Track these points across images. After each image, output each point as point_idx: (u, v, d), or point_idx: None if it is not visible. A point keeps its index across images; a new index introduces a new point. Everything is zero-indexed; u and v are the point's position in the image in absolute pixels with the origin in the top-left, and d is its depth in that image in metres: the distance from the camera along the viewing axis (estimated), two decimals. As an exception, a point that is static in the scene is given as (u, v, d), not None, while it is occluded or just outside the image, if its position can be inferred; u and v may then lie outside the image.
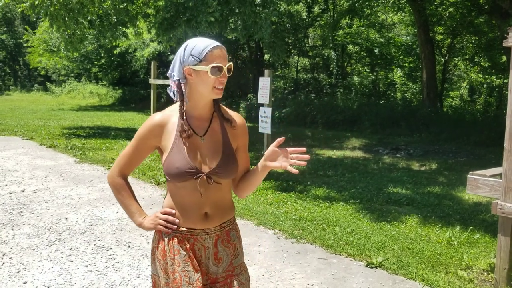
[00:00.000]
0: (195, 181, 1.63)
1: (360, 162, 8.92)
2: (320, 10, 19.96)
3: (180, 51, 1.66)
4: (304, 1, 19.20)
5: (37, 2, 9.99)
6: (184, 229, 1.68)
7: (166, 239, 1.71)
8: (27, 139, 10.28)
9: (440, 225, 4.73)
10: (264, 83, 6.88)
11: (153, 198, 5.77)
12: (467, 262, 3.76)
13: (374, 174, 7.59)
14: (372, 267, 3.70)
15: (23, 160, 7.80)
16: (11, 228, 4.43)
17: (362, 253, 3.97)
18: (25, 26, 24.93)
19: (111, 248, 4.02)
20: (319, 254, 3.99)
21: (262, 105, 6.94)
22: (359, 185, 6.65)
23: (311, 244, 4.23)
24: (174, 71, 1.68)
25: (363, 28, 19.07)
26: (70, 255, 3.84)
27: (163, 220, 1.70)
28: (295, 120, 15.38)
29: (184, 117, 1.67)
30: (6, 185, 6.10)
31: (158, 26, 12.08)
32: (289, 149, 1.65)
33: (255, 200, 5.60)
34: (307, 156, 1.62)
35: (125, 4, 11.51)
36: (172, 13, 11.19)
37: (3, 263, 3.63)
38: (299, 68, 21.86)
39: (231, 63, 1.67)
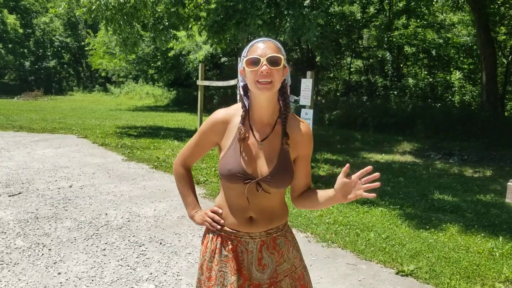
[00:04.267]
0: (244, 185, 1.61)
1: (409, 167, 8.60)
2: (375, 11, 19.49)
3: None
4: (358, 2, 18.83)
5: (94, 7, 10.46)
6: (229, 229, 1.68)
7: (211, 235, 1.72)
8: (81, 137, 10.80)
9: (482, 234, 4.45)
10: (306, 85, 6.80)
11: (191, 197, 5.84)
12: (507, 275, 3.51)
13: (421, 180, 7.29)
14: (402, 275, 3.55)
15: (75, 157, 8.20)
16: (54, 221, 4.65)
17: (393, 260, 3.81)
18: (88, 30, 26.24)
19: (143, 244, 4.12)
20: (349, 260, 3.88)
21: (304, 106, 6.87)
22: (403, 190, 6.40)
23: (341, 248, 4.12)
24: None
25: (420, 29, 18.42)
26: (104, 249, 3.97)
27: (210, 218, 1.71)
28: (346, 122, 15.11)
29: (247, 120, 1.66)
30: (56, 180, 6.42)
31: (208, 28, 12.31)
32: (356, 174, 1.54)
33: (290, 202, 5.53)
34: (376, 175, 1.49)
35: (176, 8, 11.81)
36: (222, 16, 11.35)
37: (42, 254, 3.82)
38: (352, 69, 21.46)
39: (274, 54, 1.55)
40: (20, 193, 5.68)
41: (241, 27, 11.14)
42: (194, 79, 23.14)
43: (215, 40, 12.70)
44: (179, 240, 4.25)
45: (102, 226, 4.58)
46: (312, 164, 7.38)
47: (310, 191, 1.73)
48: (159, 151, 9.08)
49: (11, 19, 36.00)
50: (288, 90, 1.69)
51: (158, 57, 24.49)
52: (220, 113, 1.70)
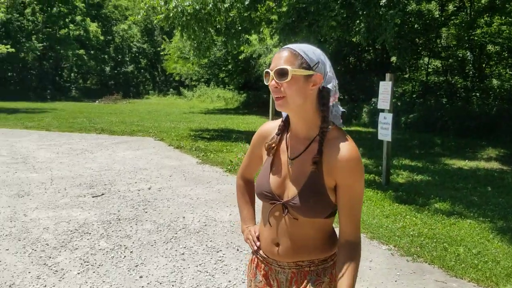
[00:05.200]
0: (270, 206, 1.47)
1: (496, 175, 7.97)
2: (455, 8, 18.44)
3: None
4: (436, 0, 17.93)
5: (171, 14, 10.79)
6: (262, 253, 1.56)
7: (252, 256, 1.64)
8: (158, 139, 11.18)
9: None
10: (385, 88, 6.50)
11: (266, 202, 5.78)
12: None
13: (511, 189, 6.70)
14: (501, 299, 3.22)
15: (153, 160, 8.47)
16: (135, 223, 4.78)
17: (487, 278, 3.49)
18: (163, 36, 27.28)
19: (220, 250, 4.10)
20: (437, 276, 3.59)
21: (382, 110, 6.57)
22: (492, 200, 5.91)
23: (428, 264, 3.84)
24: None
25: (505, 26, 17.14)
26: (183, 254, 4.00)
27: (252, 236, 1.62)
28: (423, 126, 14.39)
29: (284, 134, 1.50)
30: (136, 182, 6.65)
31: (280, 31, 12.26)
32: None
33: (370, 212, 5.29)
34: None
35: (249, 12, 11.88)
36: (293, 18, 11.25)
37: (125, 256, 3.92)
38: (429, 70, 20.45)
39: (281, 66, 1.34)
40: (103, 194, 5.93)
41: (313, 29, 10.97)
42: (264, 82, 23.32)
43: (287, 42, 12.59)
44: (256, 247, 4.19)
45: (180, 230, 4.63)
46: (390, 171, 7.05)
47: (343, 248, 1.40)
48: (231, 154, 9.15)
49: (93, 27, 38.38)
50: (331, 100, 1.41)
51: (229, 60, 24.95)
52: (264, 126, 1.60)
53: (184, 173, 7.34)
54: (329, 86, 1.38)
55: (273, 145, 1.48)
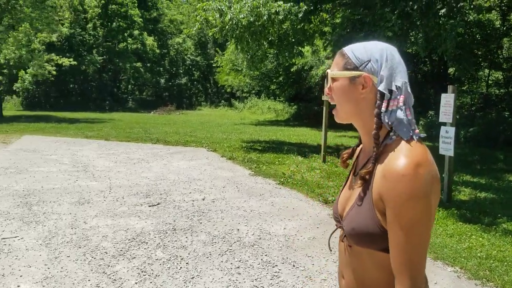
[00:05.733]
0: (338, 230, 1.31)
1: None
2: (518, 17, 17.52)
3: None
4: (497, 9, 17.11)
5: (226, 26, 10.94)
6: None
7: None
8: (211, 150, 11.30)
9: None
10: (447, 100, 6.22)
11: (320, 217, 5.66)
12: None
13: None
14: None
15: (206, 170, 8.55)
16: (190, 234, 4.80)
17: None
18: (216, 49, 27.81)
19: (276, 265, 4.02)
20: (513, 306, 3.33)
21: (444, 124, 6.28)
22: None
23: (501, 290, 3.58)
24: None
25: None
26: (238, 267, 3.95)
27: None
28: (484, 140, 13.69)
29: (360, 148, 1.34)
30: (190, 192, 6.72)
31: (334, 43, 12.12)
32: None
33: (433, 231, 5.01)
34: None
35: (302, 24, 11.84)
36: (348, 30, 11.09)
37: (181, 267, 3.92)
38: (490, 82, 19.52)
39: (328, 70, 1.21)
40: (159, 204, 6.02)
41: (369, 40, 10.73)
42: (316, 93, 23.08)
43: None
44: (313, 263, 4.07)
45: (234, 242, 4.60)
46: (452, 187, 6.71)
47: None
48: (283, 167, 9.07)
49: (149, 40, 39.78)
50: (384, 106, 1.14)
51: (280, 72, 24.97)
52: None
53: (237, 185, 7.34)
54: (381, 87, 1.13)
55: (344, 157, 1.34)
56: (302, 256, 4.28)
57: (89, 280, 3.61)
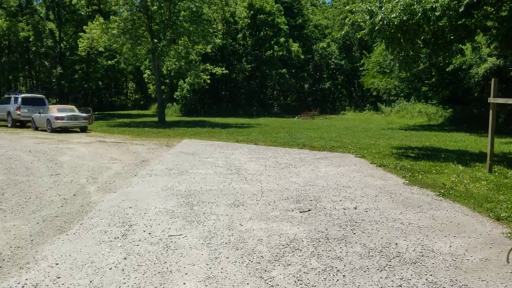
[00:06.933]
0: None
1: None
2: None
3: None
4: None
5: (376, 28, 10.49)
6: None
7: None
8: (359, 156, 10.92)
9: None
10: None
11: (492, 236, 4.95)
12: None
13: None
14: None
15: (355, 177, 8.25)
16: (345, 245, 4.60)
17: None
18: (362, 51, 27.11)
19: (444, 288, 3.59)
20: None
21: None
22: None
23: None
24: None
25: None
26: (400, 286, 3.63)
27: None
28: None
29: None
30: (340, 200, 6.51)
31: (501, 38, 10.79)
32: None
33: None
34: None
35: (463, 20, 10.77)
36: (521, 22, 9.77)
37: (337, 280, 3.75)
38: None
39: None
40: (309, 210, 5.94)
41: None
42: (476, 95, 20.92)
43: (509, 51, 11.02)
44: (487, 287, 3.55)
45: (393, 258, 4.26)
46: None
47: None
48: (442, 176, 8.29)
49: (295, 47, 40.64)
50: None
51: (433, 73, 23.25)
52: None
53: (390, 194, 6.90)
54: None
55: None
56: (474, 279, 3.76)
57: (247, 283, 3.65)
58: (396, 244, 4.65)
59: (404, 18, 10.20)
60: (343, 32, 13.39)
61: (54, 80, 44.50)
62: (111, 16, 27.63)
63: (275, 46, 39.41)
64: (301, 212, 5.88)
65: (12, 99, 23.29)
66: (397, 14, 10.15)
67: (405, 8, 10.15)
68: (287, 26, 40.85)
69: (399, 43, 11.11)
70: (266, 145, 13.57)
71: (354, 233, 4.99)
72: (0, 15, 39.30)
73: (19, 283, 3.63)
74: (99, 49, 34.03)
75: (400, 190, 7.20)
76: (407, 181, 7.91)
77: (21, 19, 41.44)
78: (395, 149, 12.39)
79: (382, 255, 4.31)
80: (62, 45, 43.52)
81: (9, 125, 23.28)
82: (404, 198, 6.65)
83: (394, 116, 29.85)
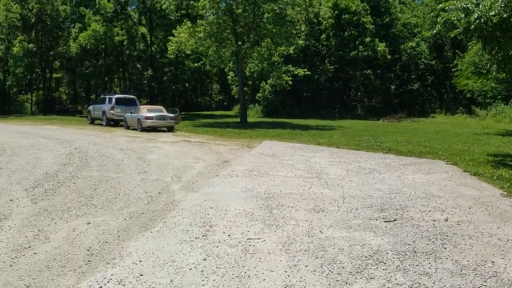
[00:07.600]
0: None
1: None
2: None
3: None
4: None
5: (472, 26, 9.77)
6: None
7: None
8: (450, 163, 10.21)
9: None
10: None
11: None
12: None
13: None
14: None
15: (446, 186, 7.69)
16: (434, 260, 4.26)
17: None
18: (456, 51, 25.50)
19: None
20: None
21: None
22: None
23: None
24: None
25: None
26: (498, 312, 3.27)
27: None
28: None
29: None
30: (430, 211, 6.08)
31: None
32: None
33: None
34: None
35: None
36: None
37: (425, 298, 3.47)
38: None
39: None
40: (395, 220, 5.62)
41: None
42: None
43: None
44: None
45: (490, 278, 3.86)
46: None
47: None
48: (548, 188, 7.46)
49: (381, 47, 39.29)
50: None
51: (537, 74, 21.17)
52: None
53: (486, 206, 6.32)
54: None
55: None
56: None
57: (326, 296, 3.51)
58: (493, 262, 4.22)
59: (505, 15, 9.39)
60: (434, 31, 12.66)
61: (145, 82, 47.32)
62: (198, 20, 28.67)
63: (360, 46, 38.39)
64: (385, 221, 5.58)
65: (107, 99, 25.04)
66: (497, 11, 9.35)
67: (507, 5, 9.32)
68: (373, 26, 39.60)
69: (498, 42, 10.27)
70: (348, 149, 13.20)
71: (445, 248, 4.61)
72: (98, 21, 42.50)
73: (105, 278, 3.80)
74: (187, 52, 35.52)
75: (498, 202, 6.58)
76: (506, 192, 7.21)
77: (116, 24, 44.57)
78: (492, 156, 11.42)
79: (476, 274, 3.93)
80: (153, 48, 46.06)
81: (104, 123, 25.05)
82: (502, 211, 6.06)
83: (490, 120, 27.64)
